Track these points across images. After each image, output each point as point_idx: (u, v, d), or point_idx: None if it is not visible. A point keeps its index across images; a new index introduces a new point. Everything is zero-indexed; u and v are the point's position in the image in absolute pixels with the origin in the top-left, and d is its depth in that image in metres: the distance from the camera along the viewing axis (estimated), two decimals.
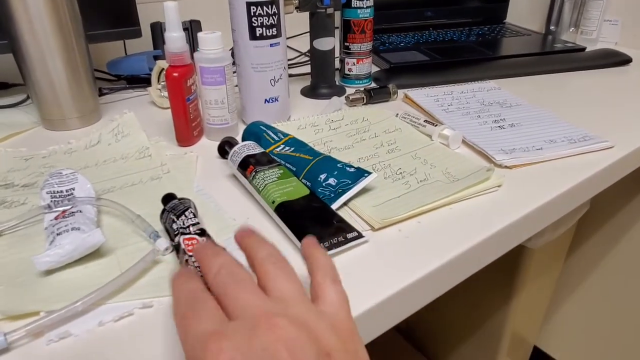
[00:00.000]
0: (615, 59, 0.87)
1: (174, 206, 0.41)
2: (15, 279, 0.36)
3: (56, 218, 0.41)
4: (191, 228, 0.38)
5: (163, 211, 0.41)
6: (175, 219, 0.39)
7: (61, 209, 0.42)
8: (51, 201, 0.43)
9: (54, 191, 0.44)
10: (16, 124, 0.66)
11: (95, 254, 0.38)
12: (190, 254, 0.35)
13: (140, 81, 0.80)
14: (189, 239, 0.37)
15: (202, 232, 0.38)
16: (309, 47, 0.74)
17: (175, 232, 0.38)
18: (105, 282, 0.34)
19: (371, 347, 0.32)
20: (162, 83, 0.71)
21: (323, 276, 0.27)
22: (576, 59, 0.87)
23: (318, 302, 0.26)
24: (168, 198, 0.43)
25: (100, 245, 0.38)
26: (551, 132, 0.59)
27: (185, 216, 0.39)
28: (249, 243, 0.28)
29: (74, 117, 0.64)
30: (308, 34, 0.73)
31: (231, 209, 0.45)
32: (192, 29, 0.83)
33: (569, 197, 0.50)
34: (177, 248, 0.37)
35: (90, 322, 0.32)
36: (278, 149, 0.52)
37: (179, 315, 0.24)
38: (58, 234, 0.37)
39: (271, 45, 0.58)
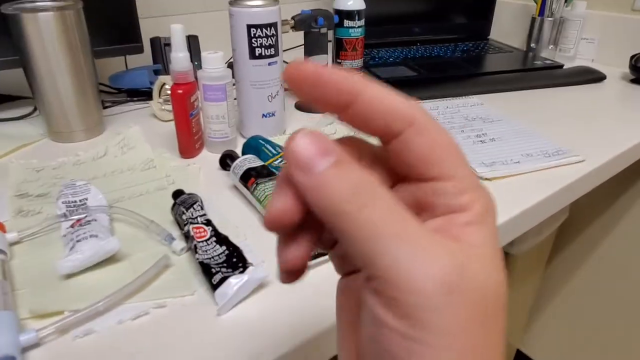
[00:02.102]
0: (591, 76, 0.93)
1: (183, 200, 0.46)
2: (38, 281, 0.40)
3: (72, 226, 0.44)
4: (199, 218, 0.44)
5: (174, 205, 0.47)
6: (185, 211, 0.45)
7: (76, 217, 0.45)
8: (66, 210, 0.46)
9: (68, 201, 0.48)
10: (24, 136, 0.69)
11: (109, 259, 0.42)
12: (199, 239, 0.42)
13: (141, 94, 0.84)
14: (197, 228, 0.43)
15: (208, 222, 0.44)
16: None
17: (185, 222, 0.44)
18: (119, 285, 0.38)
19: None
20: (164, 97, 0.75)
21: None
22: (554, 76, 0.92)
23: None
24: (178, 193, 0.49)
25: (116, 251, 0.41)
26: (528, 146, 0.63)
27: (194, 209, 0.45)
28: None
29: (79, 130, 0.68)
30: (302, 47, 0.77)
31: (234, 217, 0.49)
32: (189, 43, 0.87)
33: (543, 208, 0.54)
34: (186, 236, 0.43)
35: (110, 320, 0.36)
36: (276, 162, 0.55)
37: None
38: (78, 241, 0.41)
39: (269, 64, 0.62)
